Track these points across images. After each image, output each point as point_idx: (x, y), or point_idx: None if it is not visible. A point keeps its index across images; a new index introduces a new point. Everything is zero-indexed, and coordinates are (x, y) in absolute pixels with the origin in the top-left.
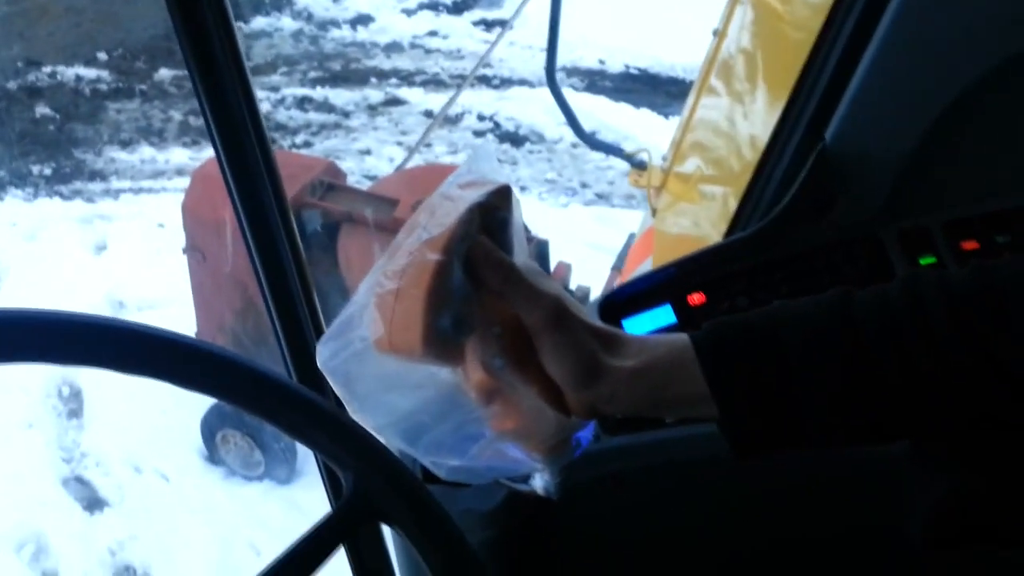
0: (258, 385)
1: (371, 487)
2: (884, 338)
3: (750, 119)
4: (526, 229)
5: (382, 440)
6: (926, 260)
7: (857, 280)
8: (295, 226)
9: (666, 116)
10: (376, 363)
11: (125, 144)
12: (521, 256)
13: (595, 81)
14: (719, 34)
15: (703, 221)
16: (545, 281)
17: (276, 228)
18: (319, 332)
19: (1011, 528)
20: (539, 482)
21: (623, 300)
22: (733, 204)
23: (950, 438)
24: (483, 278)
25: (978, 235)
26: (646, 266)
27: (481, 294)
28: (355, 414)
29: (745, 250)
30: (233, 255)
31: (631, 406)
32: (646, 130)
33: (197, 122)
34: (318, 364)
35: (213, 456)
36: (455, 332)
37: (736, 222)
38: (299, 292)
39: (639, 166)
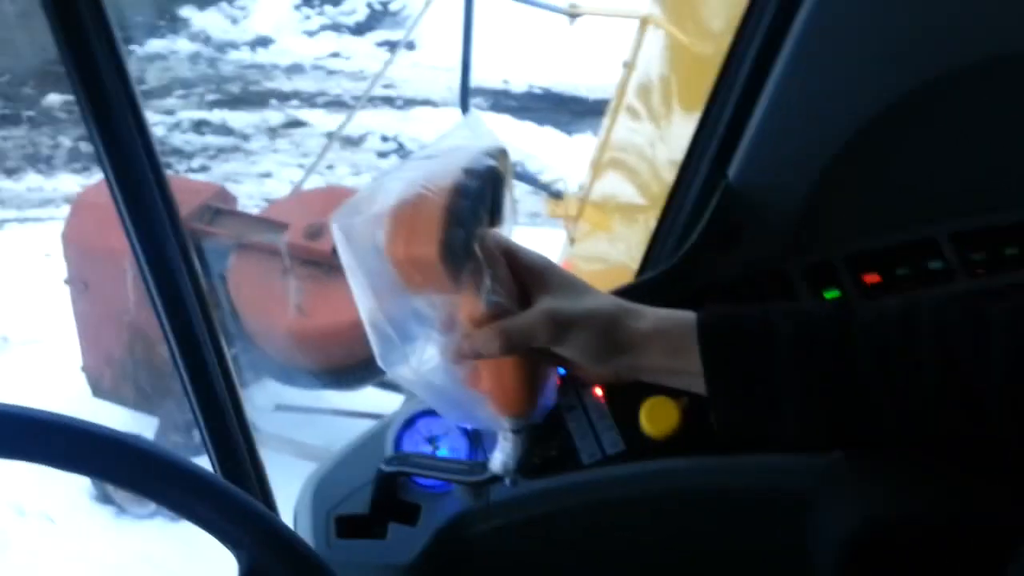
0: (131, 459)
1: (266, 566)
2: (873, 357)
3: (665, 150)
4: None
5: None
6: (830, 293)
7: None
8: (194, 257)
9: (569, 133)
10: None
11: (10, 172)
12: (510, 218)
13: (499, 100)
14: (628, 66)
15: (621, 252)
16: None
17: (174, 259)
18: (225, 371)
19: (925, 560)
20: (498, 459)
21: None
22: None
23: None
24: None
25: (879, 268)
26: None
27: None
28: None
29: (655, 289)
30: (117, 284)
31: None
32: (549, 148)
33: (88, 148)
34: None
35: (101, 494)
36: (464, 253)
37: (647, 259)
38: (202, 328)
39: (556, 195)
